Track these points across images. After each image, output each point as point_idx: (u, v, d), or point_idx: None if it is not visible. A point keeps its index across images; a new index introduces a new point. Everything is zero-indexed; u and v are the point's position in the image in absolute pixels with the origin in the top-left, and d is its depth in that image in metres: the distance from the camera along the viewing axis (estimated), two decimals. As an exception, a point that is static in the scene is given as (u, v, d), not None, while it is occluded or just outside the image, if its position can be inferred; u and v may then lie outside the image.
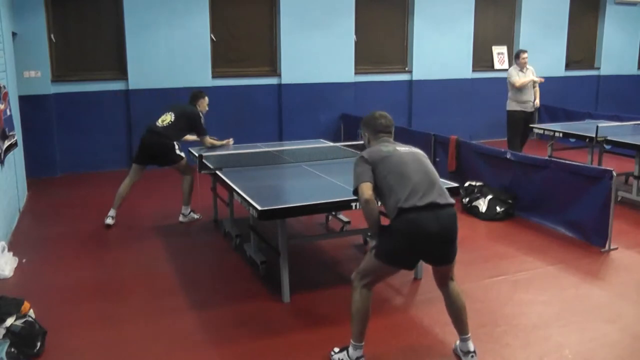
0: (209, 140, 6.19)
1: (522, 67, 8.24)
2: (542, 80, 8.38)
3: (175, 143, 5.98)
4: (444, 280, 3.30)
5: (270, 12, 9.40)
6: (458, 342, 3.32)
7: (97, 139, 8.57)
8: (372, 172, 3.09)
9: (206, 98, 6.18)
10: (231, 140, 6.38)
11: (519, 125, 8.36)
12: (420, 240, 2.99)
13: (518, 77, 8.18)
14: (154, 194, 7.27)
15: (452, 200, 3.10)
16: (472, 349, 3.25)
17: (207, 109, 6.23)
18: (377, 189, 3.10)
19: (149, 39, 8.54)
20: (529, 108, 8.33)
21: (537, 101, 8.44)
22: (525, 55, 8.24)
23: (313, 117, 9.68)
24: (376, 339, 3.53)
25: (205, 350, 3.51)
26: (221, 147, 6.24)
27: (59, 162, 8.44)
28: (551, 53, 11.42)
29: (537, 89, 8.44)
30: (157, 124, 5.95)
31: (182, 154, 6.04)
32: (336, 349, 3.35)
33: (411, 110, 10.47)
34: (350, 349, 3.24)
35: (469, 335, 3.26)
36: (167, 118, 5.96)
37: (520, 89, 8.20)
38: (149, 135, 5.96)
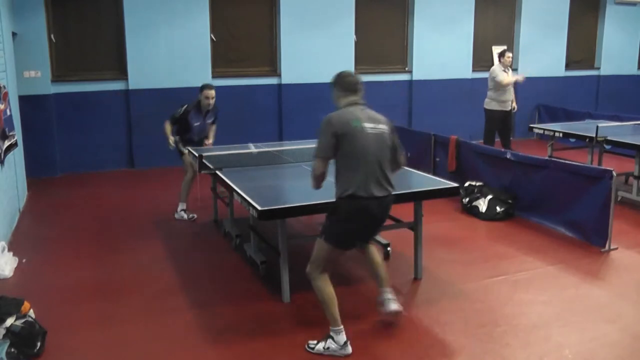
0: (166, 124, 6.02)
1: (505, 67, 8.26)
2: (524, 78, 8.47)
3: (178, 137, 6.11)
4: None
5: (270, 12, 9.40)
6: (381, 294, 3.75)
7: (97, 139, 8.57)
8: (337, 142, 3.23)
9: (204, 91, 5.99)
10: (171, 140, 6.06)
11: (497, 125, 8.40)
12: (365, 225, 3.37)
13: (503, 77, 8.18)
14: (154, 193, 7.27)
15: (392, 190, 3.38)
16: (389, 296, 3.70)
17: (207, 103, 6.02)
18: (336, 158, 3.30)
19: (149, 39, 8.54)
20: (507, 107, 8.37)
21: (515, 104, 8.49)
22: (510, 55, 8.33)
23: (313, 117, 9.60)
24: (376, 339, 3.53)
25: (205, 350, 3.51)
26: (165, 136, 5.99)
27: (59, 162, 8.44)
28: (551, 53, 11.42)
29: (513, 91, 8.46)
30: None
31: (184, 150, 6.07)
32: (312, 342, 3.43)
33: (411, 110, 10.47)
34: (333, 335, 3.34)
35: (386, 287, 3.75)
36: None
37: (501, 88, 8.21)
38: None
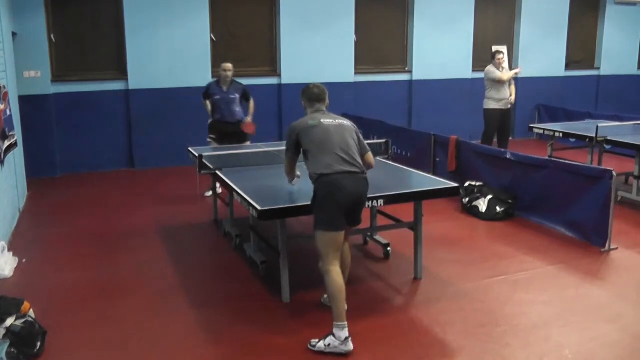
0: (204, 102, 6.99)
1: (497, 67, 8.30)
2: (521, 69, 8.47)
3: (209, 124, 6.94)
4: (345, 243, 3.70)
5: (270, 12, 9.39)
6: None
7: (97, 139, 8.56)
8: (298, 141, 3.64)
9: (222, 65, 6.83)
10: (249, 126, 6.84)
11: (496, 124, 8.42)
12: (342, 197, 3.42)
13: (499, 73, 8.22)
14: (154, 193, 7.27)
15: (363, 170, 3.56)
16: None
17: (224, 74, 6.79)
18: (304, 153, 3.65)
19: (149, 39, 8.54)
20: (506, 106, 8.38)
21: (513, 97, 8.50)
22: (501, 56, 8.39)
23: (313, 117, 9.65)
24: (376, 339, 3.53)
25: (205, 350, 3.51)
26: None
27: (59, 162, 8.43)
28: (551, 53, 11.42)
29: (513, 86, 8.52)
30: None
31: (209, 138, 6.82)
32: (314, 340, 3.43)
33: (411, 110, 10.47)
34: (336, 331, 3.34)
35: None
36: None
37: (497, 87, 8.24)
38: None
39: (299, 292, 4.19)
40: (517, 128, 11.12)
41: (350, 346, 3.35)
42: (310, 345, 3.43)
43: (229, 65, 6.77)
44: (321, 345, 3.38)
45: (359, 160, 3.58)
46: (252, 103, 6.95)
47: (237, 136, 6.69)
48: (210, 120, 6.92)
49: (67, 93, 8.38)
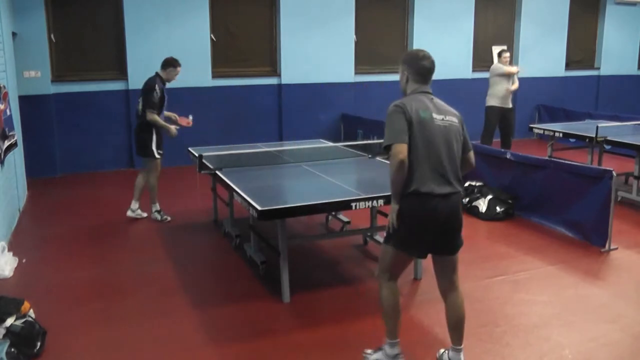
0: (152, 116, 5.75)
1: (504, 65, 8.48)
2: (520, 69, 8.67)
3: (153, 134, 5.83)
4: (447, 278, 3.25)
5: (270, 12, 9.40)
6: (449, 351, 3.22)
7: (97, 139, 8.57)
8: (408, 130, 2.87)
9: (177, 68, 5.95)
10: (184, 120, 6.09)
11: (496, 122, 8.51)
12: (433, 225, 2.95)
13: (505, 68, 8.40)
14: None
15: (461, 188, 3.07)
16: (462, 359, 3.18)
17: (174, 79, 6.04)
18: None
19: (149, 39, 8.54)
20: (508, 104, 8.46)
21: (516, 85, 8.57)
22: (507, 55, 8.51)
23: (313, 117, 9.68)
24: (376, 339, 3.53)
25: (205, 350, 3.51)
26: (165, 129, 5.85)
27: (59, 162, 8.43)
28: (551, 53, 11.42)
29: (516, 79, 8.62)
30: (138, 110, 5.98)
31: (157, 153, 5.91)
32: (369, 350, 3.30)
33: (411, 110, 10.46)
34: (387, 347, 3.18)
35: (462, 347, 3.19)
36: (140, 101, 5.94)
37: (502, 83, 8.33)
38: (136, 125, 6.06)
39: (299, 292, 4.19)
40: (517, 128, 11.09)
41: None
42: (365, 353, 3.30)
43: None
44: (372, 358, 3.25)
45: (460, 174, 3.06)
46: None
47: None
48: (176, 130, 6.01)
49: (67, 93, 8.38)
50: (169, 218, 6.11)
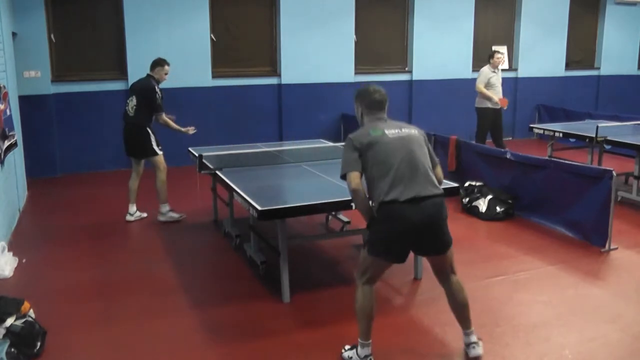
0: (163, 118, 5.88)
1: (495, 68, 8.34)
2: (501, 103, 8.36)
3: (150, 133, 5.88)
4: (442, 274, 3.34)
5: (270, 12, 9.40)
6: (463, 336, 3.38)
7: (97, 139, 8.57)
8: (360, 158, 3.09)
9: (166, 67, 5.96)
10: (191, 130, 6.09)
11: (489, 123, 8.44)
12: (403, 231, 3.04)
13: (485, 81, 8.22)
14: (154, 194, 7.25)
15: (437, 191, 3.11)
16: (473, 339, 3.33)
17: (165, 79, 6.03)
18: (365, 177, 3.14)
19: (149, 39, 8.53)
20: (498, 105, 8.38)
21: (499, 97, 8.39)
22: (499, 56, 8.36)
23: (313, 117, 9.68)
24: (376, 339, 3.52)
25: (205, 350, 3.51)
26: (177, 131, 5.99)
27: (59, 162, 8.44)
28: (551, 53, 11.42)
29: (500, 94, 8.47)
30: (128, 112, 5.92)
31: (158, 150, 5.97)
32: (347, 347, 3.36)
33: (411, 110, 10.47)
34: (358, 348, 3.25)
35: (472, 329, 3.33)
36: (131, 102, 5.90)
37: (489, 88, 8.25)
38: (125, 126, 5.98)
39: (299, 292, 4.19)
40: (517, 128, 11.13)
41: None
42: (344, 349, 3.35)
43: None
44: (345, 355, 3.30)
45: (433, 177, 3.14)
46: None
47: None
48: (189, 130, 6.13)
49: (67, 93, 8.38)
50: (184, 215, 6.15)
